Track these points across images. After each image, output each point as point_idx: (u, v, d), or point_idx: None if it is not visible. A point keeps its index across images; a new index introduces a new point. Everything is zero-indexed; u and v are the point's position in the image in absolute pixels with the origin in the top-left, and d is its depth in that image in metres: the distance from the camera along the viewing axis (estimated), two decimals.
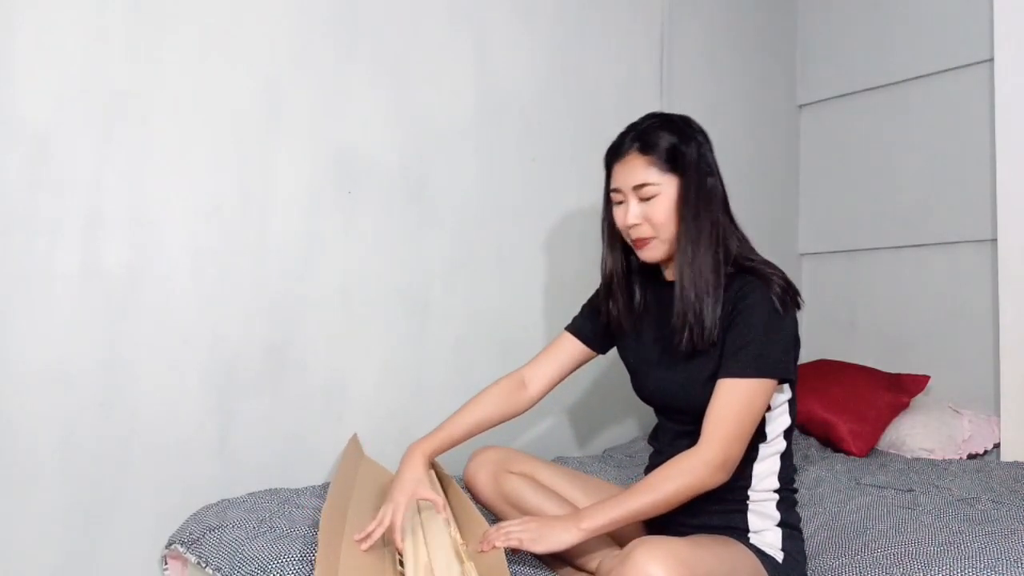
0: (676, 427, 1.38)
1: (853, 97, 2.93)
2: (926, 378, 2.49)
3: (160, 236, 1.61)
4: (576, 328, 1.53)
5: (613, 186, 1.37)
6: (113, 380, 1.54)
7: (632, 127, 1.37)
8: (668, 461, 1.24)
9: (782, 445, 1.32)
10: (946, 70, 2.64)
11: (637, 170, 1.32)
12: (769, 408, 1.29)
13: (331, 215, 1.85)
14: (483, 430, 1.46)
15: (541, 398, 1.51)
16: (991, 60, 2.45)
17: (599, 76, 2.39)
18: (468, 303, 2.08)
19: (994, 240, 2.41)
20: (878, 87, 2.85)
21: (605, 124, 2.37)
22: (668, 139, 1.32)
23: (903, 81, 2.77)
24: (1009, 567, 1.31)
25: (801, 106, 3.10)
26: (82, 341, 1.51)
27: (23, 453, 1.45)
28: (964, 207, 2.57)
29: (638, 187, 1.31)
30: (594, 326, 1.51)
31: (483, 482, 1.46)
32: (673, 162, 1.31)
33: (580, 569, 1.36)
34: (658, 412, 1.45)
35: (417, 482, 1.34)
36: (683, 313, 1.29)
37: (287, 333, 1.77)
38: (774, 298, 1.25)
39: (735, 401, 1.22)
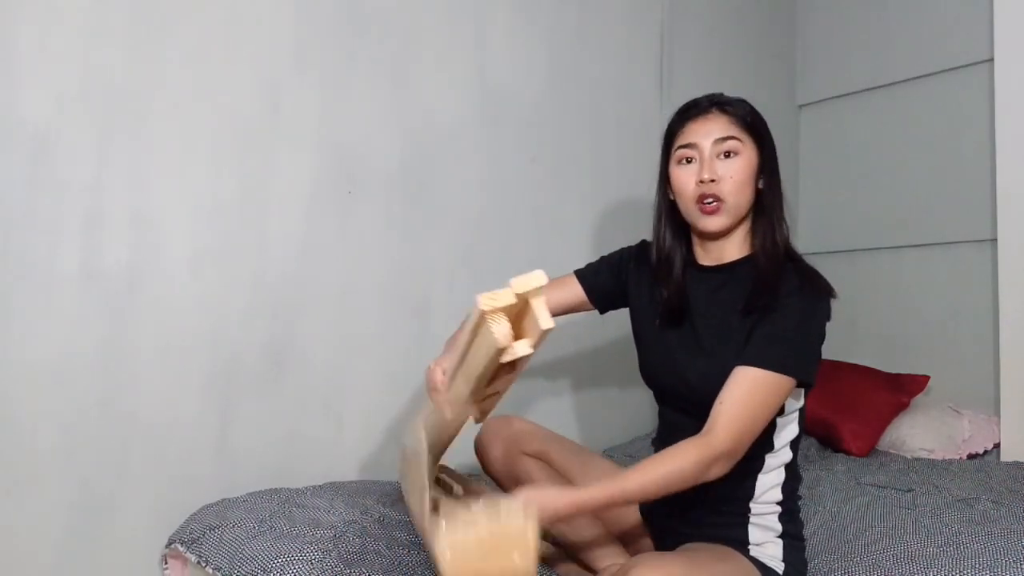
0: (684, 420, 1.28)
1: (853, 97, 2.94)
2: (926, 378, 2.49)
3: (160, 236, 1.61)
4: (585, 277, 1.46)
5: (686, 142, 1.29)
6: (113, 380, 1.54)
7: (703, 96, 1.33)
8: (671, 446, 1.15)
9: (788, 456, 1.29)
10: (946, 70, 2.64)
11: (720, 124, 1.28)
12: (781, 412, 1.25)
13: (331, 215, 1.84)
14: None
15: None
16: (991, 60, 2.45)
17: (599, 76, 2.39)
18: (468, 303, 2.07)
19: (994, 240, 2.41)
20: (878, 87, 2.85)
21: (605, 124, 2.40)
22: (745, 107, 1.31)
23: (903, 81, 2.77)
24: (1009, 567, 1.31)
25: (801, 106, 3.10)
26: (82, 341, 1.51)
27: (23, 453, 1.45)
28: (964, 207, 2.57)
29: (721, 140, 1.27)
30: (606, 284, 1.44)
31: (495, 457, 1.43)
32: (752, 128, 1.29)
33: (585, 568, 1.36)
34: (670, 405, 1.37)
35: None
36: (762, 292, 1.23)
37: (287, 333, 1.77)
38: (818, 299, 1.21)
39: (757, 392, 1.15)
